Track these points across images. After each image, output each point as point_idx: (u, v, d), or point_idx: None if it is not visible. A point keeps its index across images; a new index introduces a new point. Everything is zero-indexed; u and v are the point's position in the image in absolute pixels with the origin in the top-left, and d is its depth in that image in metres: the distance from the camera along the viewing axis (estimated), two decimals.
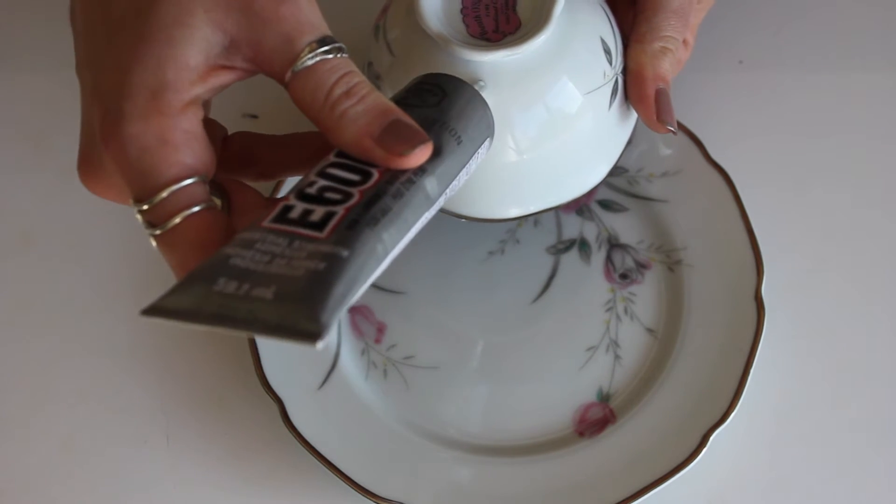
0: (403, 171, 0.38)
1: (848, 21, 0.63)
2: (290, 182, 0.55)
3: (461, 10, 0.46)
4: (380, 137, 0.38)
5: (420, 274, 0.56)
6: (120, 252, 0.59)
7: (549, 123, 0.47)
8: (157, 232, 0.38)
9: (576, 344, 0.55)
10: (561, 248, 0.58)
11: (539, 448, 0.53)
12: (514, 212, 0.49)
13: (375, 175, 0.38)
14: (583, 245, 0.57)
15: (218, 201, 0.40)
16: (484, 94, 0.43)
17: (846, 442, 0.53)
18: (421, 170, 0.38)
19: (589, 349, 0.55)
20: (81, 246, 0.59)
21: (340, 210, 0.36)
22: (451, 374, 0.55)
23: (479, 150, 0.42)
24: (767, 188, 0.58)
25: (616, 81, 0.48)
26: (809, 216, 0.58)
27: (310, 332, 0.33)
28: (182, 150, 0.38)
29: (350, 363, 0.55)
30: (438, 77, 0.42)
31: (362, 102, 0.38)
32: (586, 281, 0.57)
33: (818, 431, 0.53)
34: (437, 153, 0.39)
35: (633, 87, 0.49)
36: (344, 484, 0.51)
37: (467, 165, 0.41)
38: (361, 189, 0.37)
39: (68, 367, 0.56)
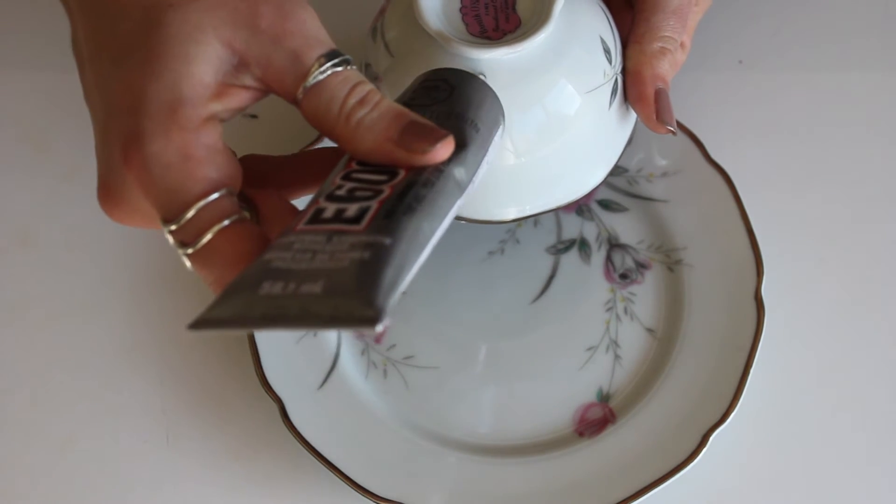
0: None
1: (848, 21, 0.63)
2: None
3: (460, 9, 0.46)
4: (399, 139, 0.38)
5: (420, 274, 0.56)
6: (120, 252, 0.59)
7: (549, 123, 0.47)
8: (190, 251, 0.38)
9: (576, 344, 0.55)
10: (561, 248, 0.58)
11: (539, 448, 0.53)
12: (512, 213, 0.49)
13: (402, 172, 0.38)
14: (583, 245, 0.57)
15: (247, 213, 0.40)
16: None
17: (846, 442, 0.53)
18: (447, 161, 0.38)
19: (589, 349, 0.55)
20: (81, 246, 0.59)
21: (374, 204, 0.36)
22: (450, 374, 0.55)
23: (495, 138, 0.42)
24: (767, 188, 0.58)
25: (616, 81, 0.48)
26: (809, 216, 0.58)
27: (366, 318, 0.32)
28: (206, 164, 0.38)
29: (350, 363, 0.55)
30: (442, 72, 0.43)
31: (377, 109, 0.38)
32: (586, 281, 0.57)
33: (818, 431, 0.53)
34: (459, 144, 0.39)
35: (632, 88, 0.49)
36: (344, 484, 0.51)
37: (487, 153, 0.41)
38: (391, 184, 0.37)
39: (68, 367, 0.56)
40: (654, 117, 0.48)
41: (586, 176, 0.50)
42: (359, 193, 0.37)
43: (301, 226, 0.36)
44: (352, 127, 0.38)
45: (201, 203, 0.37)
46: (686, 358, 0.54)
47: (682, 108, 0.52)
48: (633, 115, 0.51)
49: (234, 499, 0.53)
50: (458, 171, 0.38)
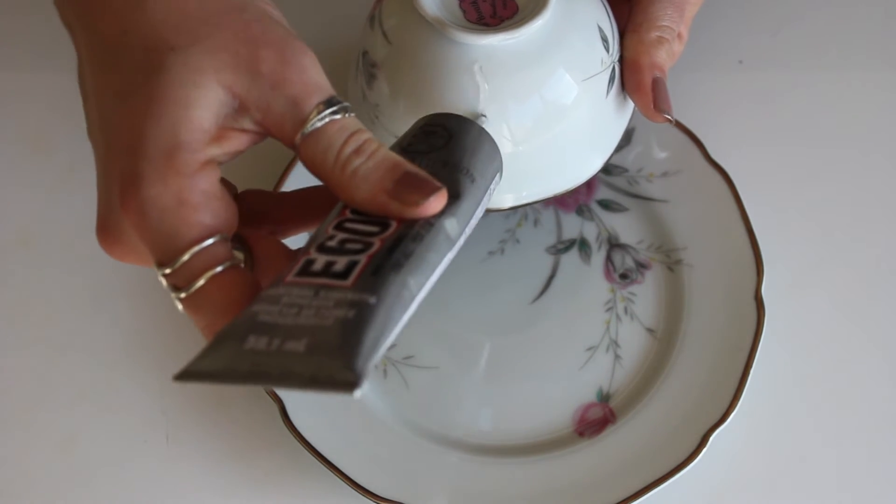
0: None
1: (848, 21, 0.63)
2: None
3: None
4: (393, 191, 0.38)
5: None
6: None
7: (546, 111, 0.47)
8: (183, 295, 0.38)
9: (576, 344, 0.55)
10: (561, 248, 0.58)
11: (539, 448, 0.53)
12: (510, 201, 0.49)
13: (394, 224, 0.38)
14: (583, 245, 0.57)
15: (240, 255, 0.40)
16: (479, 78, 0.44)
17: (846, 442, 0.53)
18: (439, 213, 0.38)
19: (589, 349, 0.55)
20: (81, 246, 0.59)
21: (363, 258, 0.36)
22: (450, 374, 0.55)
23: (491, 186, 0.42)
24: (767, 188, 0.58)
25: (613, 69, 0.48)
26: (809, 216, 0.58)
27: (346, 382, 0.32)
28: (202, 210, 0.38)
29: None
30: (441, 117, 0.43)
31: (372, 158, 0.38)
32: (586, 281, 0.57)
33: (818, 431, 0.53)
34: (453, 196, 0.39)
35: (629, 77, 0.49)
36: (344, 484, 0.51)
37: (482, 202, 0.41)
38: (381, 237, 0.37)
39: (68, 367, 0.56)
40: (652, 106, 0.48)
41: (583, 164, 0.50)
42: (349, 246, 0.37)
43: (290, 277, 0.36)
44: (347, 176, 0.38)
45: (195, 249, 0.37)
46: (686, 358, 0.54)
47: (682, 108, 0.52)
48: (631, 105, 0.51)
49: (234, 499, 0.53)
50: (450, 224, 0.38)
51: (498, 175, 0.42)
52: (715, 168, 0.57)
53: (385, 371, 0.55)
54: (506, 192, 0.49)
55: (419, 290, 0.37)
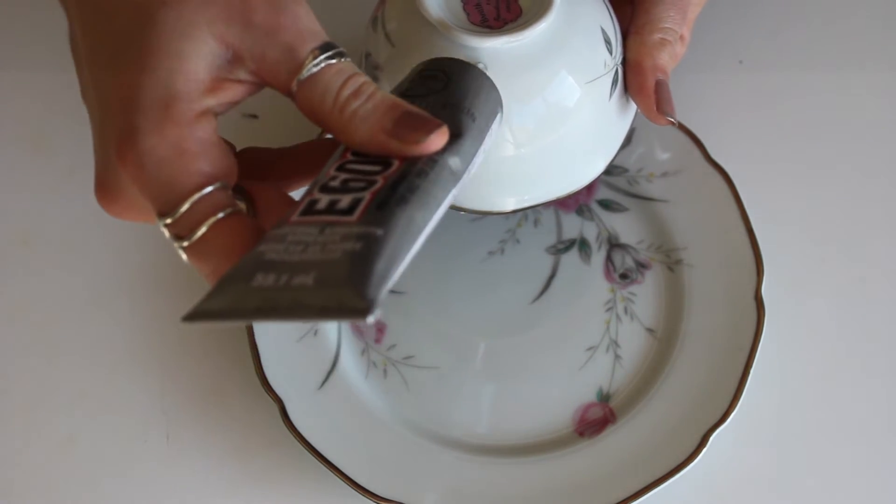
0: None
1: (848, 21, 0.63)
2: None
3: None
4: (393, 130, 0.38)
5: (420, 274, 0.56)
6: (120, 252, 0.59)
7: (549, 113, 0.47)
8: (186, 244, 0.38)
9: (576, 344, 0.55)
10: (561, 247, 0.58)
11: (539, 448, 0.53)
12: (511, 204, 0.49)
13: (396, 163, 0.38)
14: (583, 245, 0.57)
15: (242, 205, 0.40)
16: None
17: (846, 442, 0.53)
18: (441, 150, 0.38)
19: (589, 349, 0.55)
20: (81, 246, 0.59)
21: (367, 195, 0.36)
22: (450, 374, 0.55)
23: (492, 126, 0.42)
24: (767, 188, 0.58)
25: (616, 72, 0.48)
26: (809, 216, 0.58)
27: (358, 309, 0.32)
28: (200, 158, 0.38)
29: (350, 363, 0.55)
30: (439, 62, 0.43)
31: (371, 100, 0.39)
32: (586, 281, 0.57)
33: (818, 431, 0.53)
34: (455, 134, 0.39)
35: (632, 79, 0.49)
36: (344, 484, 0.51)
37: (484, 142, 0.41)
38: (384, 175, 0.37)
39: (68, 367, 0.56)
40: (655, 108, 0.48)
41: (586, 167, 0.50)
42: (352, 184, 0.37)
43: (295, 217, 0.36)
44: (346, 118, 0.38)
45: (195, 196, 0.37)
46: (686, 358, 0.54)
47: (682, 108, 0.52)
48: (633, 107, 0.51)
49: (234, 499, 0.53)
50: (453, 161, 0.38)
51: (499, 115, 0.42)
52: (715, 168, 0.57)
53: (385, 371, 0.55)
54: (508, 196, 0.49)
55: (425, 224, 0.37)
